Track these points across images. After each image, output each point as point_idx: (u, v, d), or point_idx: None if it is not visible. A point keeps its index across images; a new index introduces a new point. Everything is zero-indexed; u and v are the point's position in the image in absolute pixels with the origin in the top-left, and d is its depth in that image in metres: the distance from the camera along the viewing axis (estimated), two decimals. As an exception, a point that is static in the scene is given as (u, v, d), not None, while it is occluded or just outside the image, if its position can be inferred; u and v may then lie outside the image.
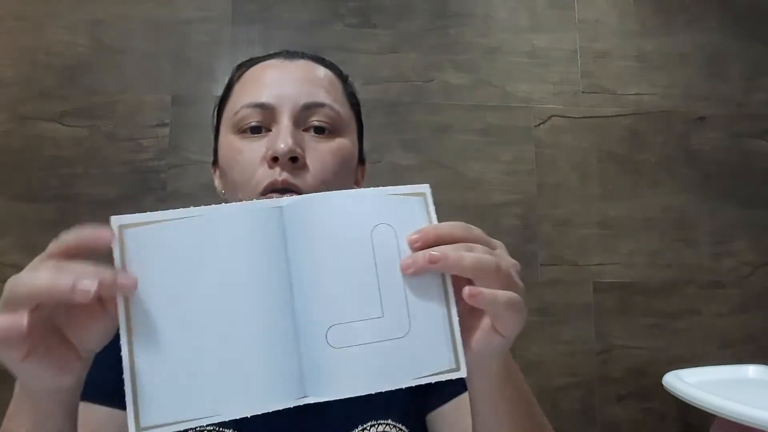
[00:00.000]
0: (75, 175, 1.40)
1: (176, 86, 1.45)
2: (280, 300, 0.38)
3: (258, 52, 0.65)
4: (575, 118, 1.57)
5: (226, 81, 0.65)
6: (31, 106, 1.41)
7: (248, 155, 0.56)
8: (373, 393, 0.37)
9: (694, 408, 1.14)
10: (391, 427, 0.57)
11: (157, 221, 0.37)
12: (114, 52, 1.45)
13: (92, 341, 0.38)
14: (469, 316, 0.39)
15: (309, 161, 0.55)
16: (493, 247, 0.40)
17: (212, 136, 0.64)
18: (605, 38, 1.61)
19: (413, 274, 0.38)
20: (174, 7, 1.48)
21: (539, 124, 1.55)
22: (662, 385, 1.28)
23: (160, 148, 1.43)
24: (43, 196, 1.39)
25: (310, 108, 0.57)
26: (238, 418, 0.36)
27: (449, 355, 0.38)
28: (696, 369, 1.34)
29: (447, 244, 0.38)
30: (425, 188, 0.40)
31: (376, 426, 0.57)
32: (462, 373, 0.38)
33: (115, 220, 0.37)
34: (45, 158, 1.40)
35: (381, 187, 0.40)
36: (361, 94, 0.68)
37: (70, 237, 0.38)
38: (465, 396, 0.57)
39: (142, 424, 0.35)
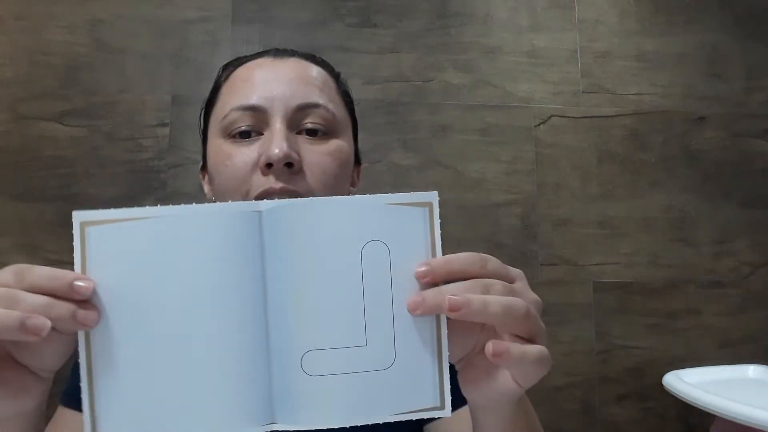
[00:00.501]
0: (75, 175, 1.40)
1: (176, 86, 1.45)
2: (252, 316, 0.34)
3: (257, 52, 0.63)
4: (575, 118, 1.57)
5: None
6: (31, 106, 1.41)
7: (239, 161, 0.53)
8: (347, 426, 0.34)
9: (694, 408, 1.14)
10: None
11: (123, 219, 0.33)
12: (114, 52, 1.45)
13: (49, 362, 0.35)
14: (484, 359, 0.34)
15: (305, 165, 0.53)
16: (511, 280, 0.36)
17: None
18: (605, 38, 1.60)
19: (421, 314, 0.34)
20: (174, 7, 1.48)
21: (539, 124, 1.55)
22: (662, 385, 1.28)
23: (160, 148, 1.43)
24: (43, 196, 1.38)
25: (303, 109, 0.54)
26: None
27: (434, 391, 0.35)
28: (696, 369, 1.34)
29: (459, 280, 0.34)
30: (432, 197, 0.35)
31: None
32: (446, 413, 0.35)
33: (77, 216, 0.34)
34: (45, 158, 1.40)
35: (379, 195, 0.35)
36: (361, 94, 0.67)
37: (42, 276, 0.33)
38: (465, 408, 0.56)
39: None
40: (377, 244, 0.35)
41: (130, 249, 0.34)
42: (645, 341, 1.51)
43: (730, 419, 1.03)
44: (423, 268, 0.34)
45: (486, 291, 0.34)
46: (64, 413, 0.58)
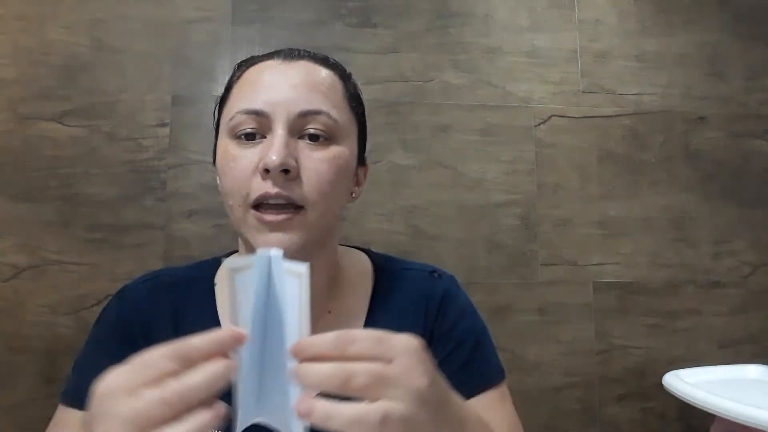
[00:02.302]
0: (75, 175, 1.40)
1: (176, 86, 1.45)
2: (253, 364, 0.36)
3: (258, 52, 0.64)
4: (575, 118, 1.57)
5: (226, 81, 0.64)
6: (31, 106, 1.41)
7: (242, 163, 0.55)
8: None
9: (694, 408, 1.14)
10: None
11: (251, 266, 0.36)
12: (114, 52, 1.45)
13: None
14: None
15: (303, 172, 0.54)
16: (389, 359, 0.35)
17: (212, 136, 0.64)
18: (605, 38, 1.60)
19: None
20: (174, 7, 1.48)
21: (539, 124, 1.55)
22: (662, 385, 1.28)
23: (160, 148, 1.43)
24: (43, 196, 1.39)
25: (305, 116, 0.55)
26: None
27: None
28: (696, 369, 1.34)
29: (324, 361, 0.34)
30: (303, 268, 0.37)
31: None
32: None
33: (229, 264, 0.36)
34: (45, 158, 1.40)
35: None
36: (362, 94, 0.67)
37: (205, 343, 0.34)
38: (475, 401, 0.57)
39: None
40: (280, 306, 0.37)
41: (249, 291, 0.36)
42: (645, 341, 1.51)
43: (730, 419, 1.03)
44: (294, 348, 0.35)
45: (347, 380, 0.34)
46: (65, 412, 0.58)
